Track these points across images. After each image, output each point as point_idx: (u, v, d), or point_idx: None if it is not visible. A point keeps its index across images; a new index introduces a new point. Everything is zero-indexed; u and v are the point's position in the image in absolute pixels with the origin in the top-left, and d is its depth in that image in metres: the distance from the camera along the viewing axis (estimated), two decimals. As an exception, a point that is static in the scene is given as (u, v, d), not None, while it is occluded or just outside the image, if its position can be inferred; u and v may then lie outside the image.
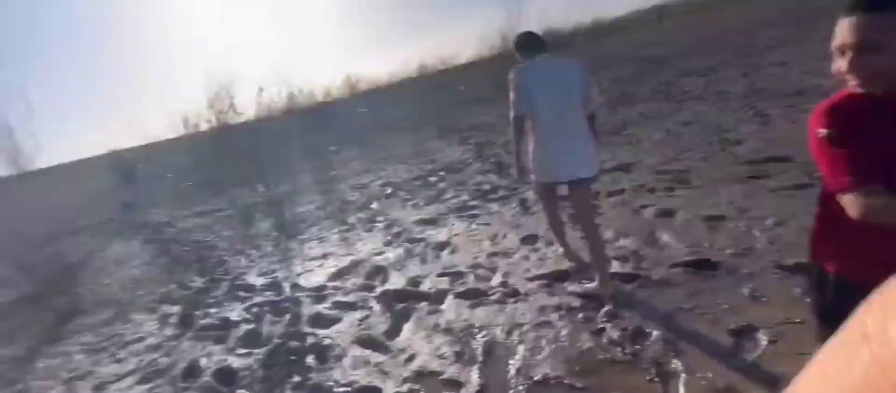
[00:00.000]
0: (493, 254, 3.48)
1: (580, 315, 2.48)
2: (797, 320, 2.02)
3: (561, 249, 3.12)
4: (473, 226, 4.17)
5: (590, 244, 2.59)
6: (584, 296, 2.63)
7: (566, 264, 3.01)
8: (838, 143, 0.95)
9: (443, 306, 2.93)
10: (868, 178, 0.91)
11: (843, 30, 0.94)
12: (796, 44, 9.31)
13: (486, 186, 5.25)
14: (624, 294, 2.57)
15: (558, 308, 2.59)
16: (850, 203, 0.93)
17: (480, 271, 3.25)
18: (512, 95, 2.46)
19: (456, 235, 4.06)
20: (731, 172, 3.85)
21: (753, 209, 3.13)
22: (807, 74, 6.53)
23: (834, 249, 1.09)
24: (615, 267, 2.86)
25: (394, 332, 2.77)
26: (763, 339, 2.00)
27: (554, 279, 2.90)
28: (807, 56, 7.73)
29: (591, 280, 2.70)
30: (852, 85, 0.95)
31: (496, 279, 3.09)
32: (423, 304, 3.01)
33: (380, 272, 3.61)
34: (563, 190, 2.64)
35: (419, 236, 4.21)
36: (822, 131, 0.97)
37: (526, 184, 2.99)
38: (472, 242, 3.81)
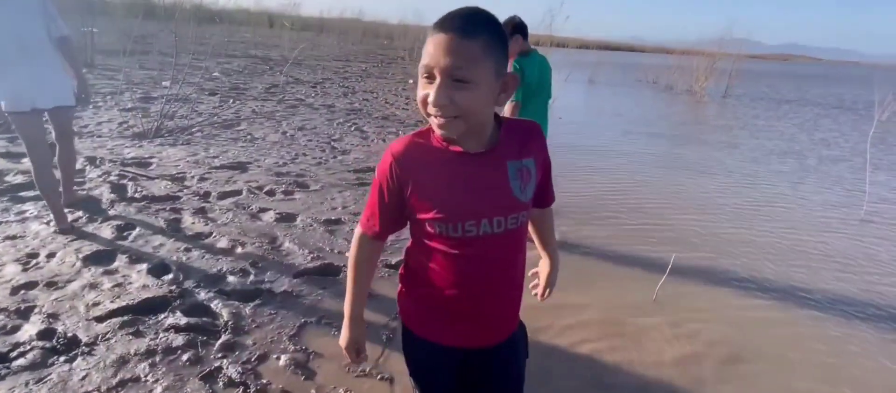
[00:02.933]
0: (25, 286, 2.16)
1: (185, 356, 1.83)
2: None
3: (52, 217, 2.68)
4: (-18, 242, 2.51)
5: (64, 172, 2.88)
6: (189, 328, 1.99)
7: (162, 288, 2.23)
8: (379, 188, 0.91)
9: None
10: (371, 226, 0.95)
11: (437, 50, 0.76)
12: (380, 78, 11.62)
13: (17, 178, 3.38)
14: (245, 316, 2.12)
15: (150, 354, 1.82)
16: (355, 237, 1.00)
17: (-7, 319, 1.92)
18: None
19: (-65, 259, 2.30)
20: (343, 178, 4.12)
21: (363, 213, 3.41)
22: (388, 104, 8.16)
23: (413, 307, 1.01)
24: (233, 283, 2.35)
25: None
26: (380, 338, 2.08)
27: (141, 311, 2.07)
28: (387, 90, 9.73)
29: (197, 300, 2.09)
30: (436, 122, 0.81)
31: (31, 328, 1.89)
32: None
33: None
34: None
35: None
36: (378, 174, 0.91)
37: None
38: (-25, 270, 2.25)
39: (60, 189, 2.87)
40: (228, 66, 10.91)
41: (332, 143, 5.27)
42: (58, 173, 2.86)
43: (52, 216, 2.69)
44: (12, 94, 2.41)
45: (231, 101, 7.06)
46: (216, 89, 7.90)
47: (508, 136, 0.90)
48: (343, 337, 1.06)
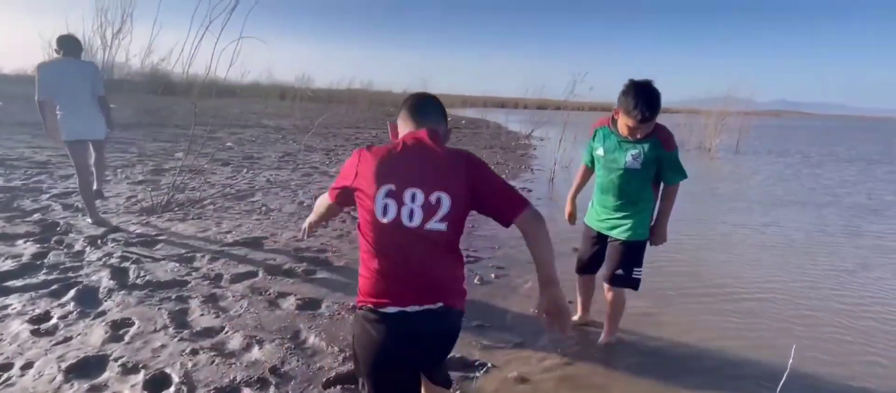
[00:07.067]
0: (-11, 413, 1.70)
1: None
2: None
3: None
4: (-52, 349, 2.07)
5: (97, 171, 4.04)
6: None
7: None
8: None
9: None
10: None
11: None
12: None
13: (6, 264, 3.00)
14: (264, 451, 1.62)
15: None
16: None
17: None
18: (37, 84, 3.54)
19: None
20: (368, 253, 3.71)
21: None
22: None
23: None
24: (248, 400, 1.88)
25: None
26: None
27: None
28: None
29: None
30: None
31: None
32: None
33: None
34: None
35: None
36: None
37: (56, 142, 3.83)
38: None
39: (95, 188, 4.04)
40: (241, 136, 10.89)
41: (353, 212, 4.91)
42: (93, 181, 4.01)
43: (89, 217, 3.88)
44: (70, 130, 3.66)
45: (245, 170, 6.83)
46: (229, 159, 7.72)
47: None
48: None
